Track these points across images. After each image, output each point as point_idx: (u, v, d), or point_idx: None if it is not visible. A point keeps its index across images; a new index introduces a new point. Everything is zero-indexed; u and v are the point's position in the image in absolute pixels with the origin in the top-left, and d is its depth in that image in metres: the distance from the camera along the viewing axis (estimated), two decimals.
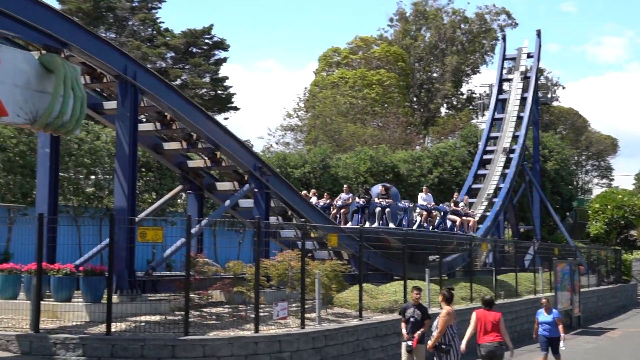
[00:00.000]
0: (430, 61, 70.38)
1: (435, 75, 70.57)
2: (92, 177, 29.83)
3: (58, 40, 14.51)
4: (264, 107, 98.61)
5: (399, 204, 25.58)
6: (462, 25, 71.07)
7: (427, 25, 70.65)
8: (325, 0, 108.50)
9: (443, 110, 71.91)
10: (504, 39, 49.90)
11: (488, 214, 37.81)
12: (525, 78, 46.01)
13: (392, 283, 21.69)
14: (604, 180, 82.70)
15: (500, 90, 46.08)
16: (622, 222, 48.77)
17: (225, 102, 53.02)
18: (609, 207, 48.69)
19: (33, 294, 13.56)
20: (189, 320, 13.62)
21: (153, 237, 14.26)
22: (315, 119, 55.19)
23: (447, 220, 28.22)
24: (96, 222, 27.15)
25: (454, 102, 72.63)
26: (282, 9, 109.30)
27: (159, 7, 51.80)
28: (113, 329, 13.33)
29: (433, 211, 27.21)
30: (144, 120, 19.64)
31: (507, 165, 41.35)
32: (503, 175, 40.82)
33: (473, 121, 62.82)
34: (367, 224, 24.26)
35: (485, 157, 42.41)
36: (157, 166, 31.17)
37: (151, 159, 29.84)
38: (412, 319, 13.68)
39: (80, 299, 15.04)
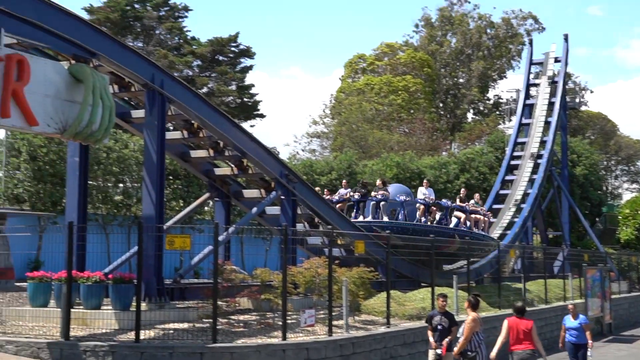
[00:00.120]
0: (457, 67, 70.11)
1: (461, 80, 70.28)
2: (121, 185, 30.11)
3: (87, 50, 14.67)
4: (289, 114, 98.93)
5: (396, 198, 25.04)
6: (489, 30, 70.73)
7: (452, 30, 70.41)
8: (351, 7, 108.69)
9: (469, 115, 71.61)
10: (530, 43, 49.56)
11: (516, 220, 37.52)
12: (553, 83, 45.66)
13: (420, 290, 21.58)
14: (634, 185, 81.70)
15: (528, 95, 45.76)
16: None
17: (251, 110, 53.27)
18: (639, 212, 48.04)
19: (63, 301, 13.67)
20: (217, 327, 13.64)
21: (181, 245, 14.32)
22: (341, 126, 55.20)
23: (454, 217, 27.30)
24: (124, 230, 27.37)
25: (481, 108, 72.26)
26: (308, 16, 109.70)
27: (186, 16, 52.30)
28: (142, 337, 13.39)
29: (432, 206, 25.82)
30: (171, 128, 19.77)
31: (535, 170, 41.02)
32: (531, 181, 40.50)
33: (500, 126, 62.43)
34: (361, 218, 24.04)
35: (512, 162, 42.12)
36: (184, 174, 31.39)
37: (178, 167, 30.05)
38: (439, 327, 13.59)
39: (110, 307, 15.14)
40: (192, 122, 18.77)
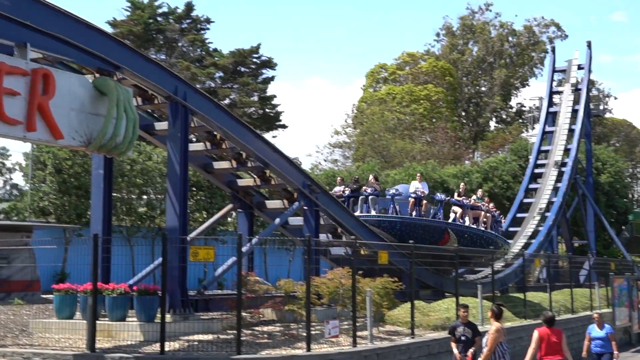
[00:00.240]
0: (478, 75, 69.86)
1: (483, 89, 69.99)
2: (145, 197, 30.30)
3: (111, 63, 14.81)
4: (311, 124, 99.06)
5: (387, 192, 24.66)
6: (510, 38, 70.42)
7: (474, 39, 70.20)
8: (372, 17, 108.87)
9: (492, 124, 71.27)
10: (553, 51, 49.33)
11: (540, 228, 37.22)
12: (576, 90, 45.36)
13: (444, 300, 21.45)
14: None
15: (551, 103, 45.48)
16: None
17: (273, 121, 53.44)
18: None
19: (89, 313, 13.75)
20: (241, 339, 13.64)
21: (205, 257, 14.35)
22: (364, 136, 55.16)
23: (452, 213, 26.36)
24: (148, 241, 27.51)
25: (503, 116, 71.89)
26: (329, 27, 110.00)
27: (208, 28, 52.68)
28: (167, 348, 13.42)
29: (423, 199, 24.75)
30: (194, 140, 19.87)
31: (559, 178, 40.71)
32: (555, 189, 40.18)
33: (523, 135, 62.08)
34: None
35: (536, 170, 41.85)
36: (207, 185, 31.52)
37: (201, 179, 30.17)
38: (462, 338, 13.48)
39: (134, 318, 15.21)
40: (215, 133, 18.86)
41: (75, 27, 14.09)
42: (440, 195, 26.32)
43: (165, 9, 50.65)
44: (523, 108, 71.28)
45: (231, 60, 50.94)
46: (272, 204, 21.74)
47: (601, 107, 59.70)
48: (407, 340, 16.73)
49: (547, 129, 43.92)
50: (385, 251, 18.99)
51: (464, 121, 69.08)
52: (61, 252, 25.53)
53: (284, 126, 54.51)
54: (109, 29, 44.87)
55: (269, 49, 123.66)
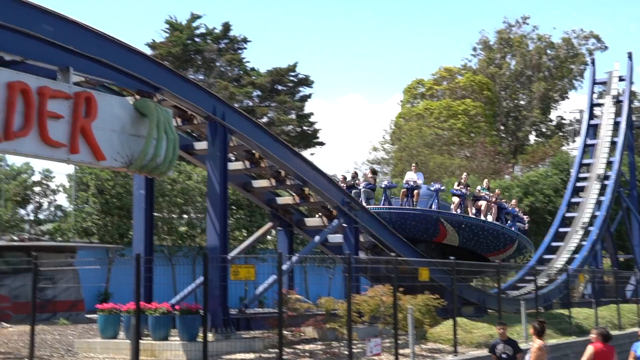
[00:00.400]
0: (517, 89, 69.27)
1: (522, 102, 69.36)
2: (185, 216, 30.55)
3: (151, 85, 15.01)
4: (349, 141, 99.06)
5: (380, 184, 24.14)
6: (549, 51, 69.77)
7: (511, 52, 69.70)
8: (408, 32, 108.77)
9: (532, 137, 70.47)
10: (593, 63, 48.72)
11: (584, 243, 36.59)
12: (618, 102, 44.70)
13: (487, 316, 21.19)
14: None
15: (592, 116, 44.87)
16: None
17: (311, 138, 53.58)
18: None
19: (132, 333, 13.85)
20: (283, 357, 13.61)
21: (245, 275, 14.37)
22: (402, 152, 55.00)
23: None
24: (189, 260, 27.69)
25: (543, 129, 71.09)
26: (365, 43, 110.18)
27: (245, 48, 53.18)
28: None
29: (415, 189, 23.92)
30: (233, 159, 20.00)
31: (602, 192, 40.03)
32: (598, 203, 39.50)
33: (564, 148, 61.30)
34: None
35: (578, 184, 41.21)
36: (247, 204, 31.67)
37: (241, 197, 30.33)
38: (503, 355, 13.24)
39: (177, 338, 15.28)
40: (254, 152, 18.96)
41: (116, 50, 14.32)
42: (435, 185, 25.33)
43: (203, 30, 51.31)
44: (563, 121, 70.42)
45: (268, 79, 51.30)
46: (312, 221, 21.74)
47: None
48: (449, 358, 16.53)
49: (589, 141, 43.30)
50: (426, 268, 18.84)
51: (503, 135, 68.47)
52: (104, 272, 25.85)
53: (321, 143, 54.63)
54: (148, 51, 45.58)
55: (305, 66, 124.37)
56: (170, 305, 15.72)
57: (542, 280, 29.27)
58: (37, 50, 12.69)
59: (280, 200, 21.40)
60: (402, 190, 24.32)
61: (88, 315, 21.47)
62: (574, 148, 51.77)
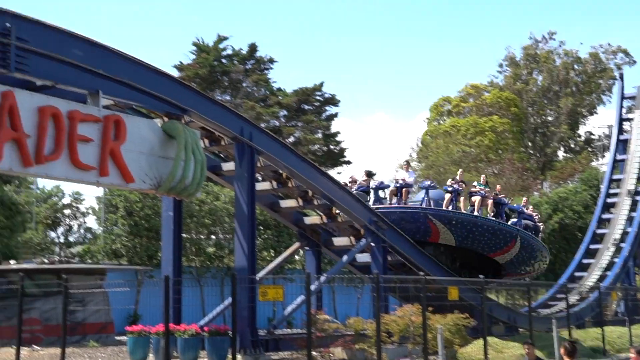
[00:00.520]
0: (544, 104, 68.78)
1: (550, 118, 68.81)
2: (213, 237, 30.64)
3: (179, 107, 15.15)
4: (376, 159, 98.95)
5: (377, 183, 23.86)
6: (576, 66, 69.27)
7: (538, 68, 69.29)
8: (433, 50, 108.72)
9: (560, 153, 69.81)
10: (621, 77, 48.24)
11: (616, 260, 36.07)
12: None
13: (518, 336, 20.92)
14: None
15: (621, 131, 44.35)
16: None
17: (337, 157, 53.57)
18: None
19: (162, 355, 13.88)
20: None
21: (274, 296, 14.38)
22: (429, 169, 54.79)
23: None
24: (218, 281, 27.72)
25: (572, 145, 70.41)
26: (390, 62, 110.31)
27: (271, 68, 53.44)
28: None
29: (404, 188, 23.63)
30: (261, 179, 20.08)
31: (633, 208, 39.46)
32: (630, 219, 38.93)
33: (593, 164, 60.63)
34: None
35: (608, 200, 40.69)
36: (274, 224, 31.68)
37: (268, 217, 30.36)
38: None
39: (206, 359, 15.27)
40: (281, 172, 19.01)
41: (144, 73, 14.49)
42: (426, 182, 24.85)
43: (229, 51, 51.69)
44: (592, 136, 69.76)
45: (295, 99, 51.48)
46: (339, 241, 21.69)
47: None
48: None
49: (618, 157, 42.81)
50: (456, 287, 18.69)
51: (531, 152, 67.94)
52: (133, 293, 25.97)
53: (348, 162, 54.58)
54: (175, 73, 46.03)
55: (331, 86, 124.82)
56: (199, 327, 15.75)
57: (573, 298, 28.85)
58: (68, 75, 12.88)
59: (308, 220, 21.40)
60: (391, 189, 23.86)
61: (118, 338, 21.55)
62: (603, 164, 51.26)
